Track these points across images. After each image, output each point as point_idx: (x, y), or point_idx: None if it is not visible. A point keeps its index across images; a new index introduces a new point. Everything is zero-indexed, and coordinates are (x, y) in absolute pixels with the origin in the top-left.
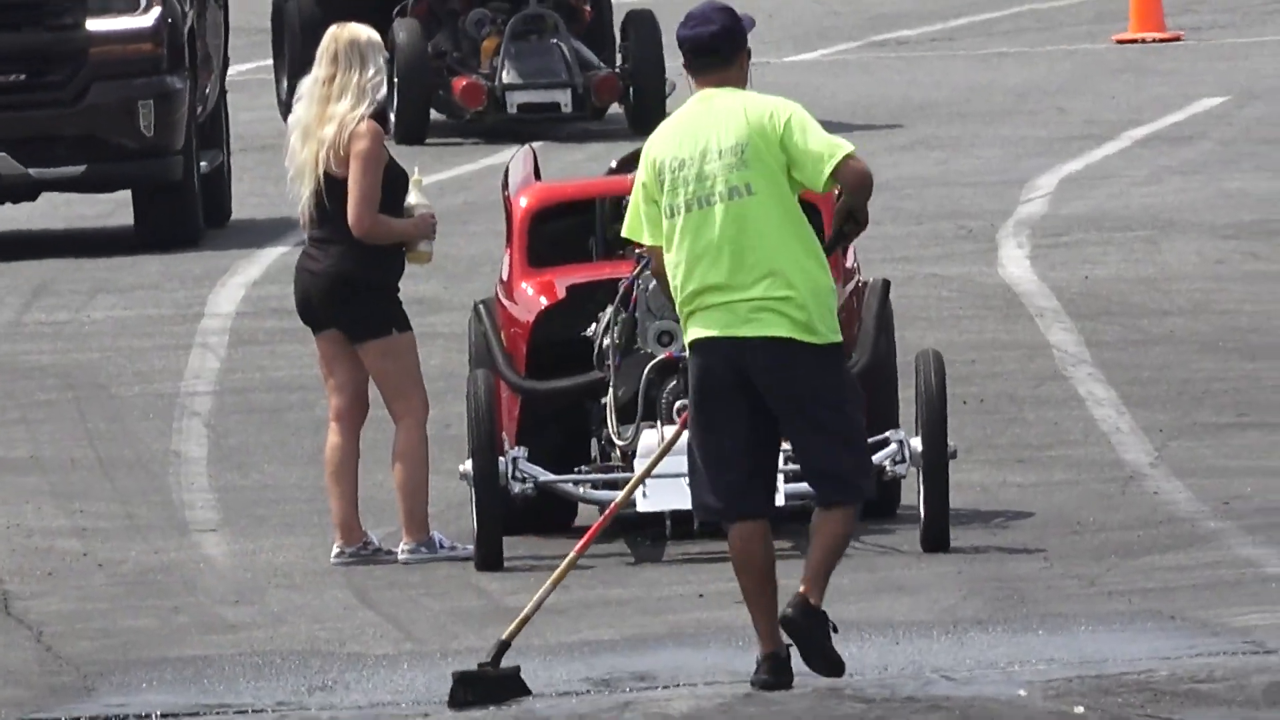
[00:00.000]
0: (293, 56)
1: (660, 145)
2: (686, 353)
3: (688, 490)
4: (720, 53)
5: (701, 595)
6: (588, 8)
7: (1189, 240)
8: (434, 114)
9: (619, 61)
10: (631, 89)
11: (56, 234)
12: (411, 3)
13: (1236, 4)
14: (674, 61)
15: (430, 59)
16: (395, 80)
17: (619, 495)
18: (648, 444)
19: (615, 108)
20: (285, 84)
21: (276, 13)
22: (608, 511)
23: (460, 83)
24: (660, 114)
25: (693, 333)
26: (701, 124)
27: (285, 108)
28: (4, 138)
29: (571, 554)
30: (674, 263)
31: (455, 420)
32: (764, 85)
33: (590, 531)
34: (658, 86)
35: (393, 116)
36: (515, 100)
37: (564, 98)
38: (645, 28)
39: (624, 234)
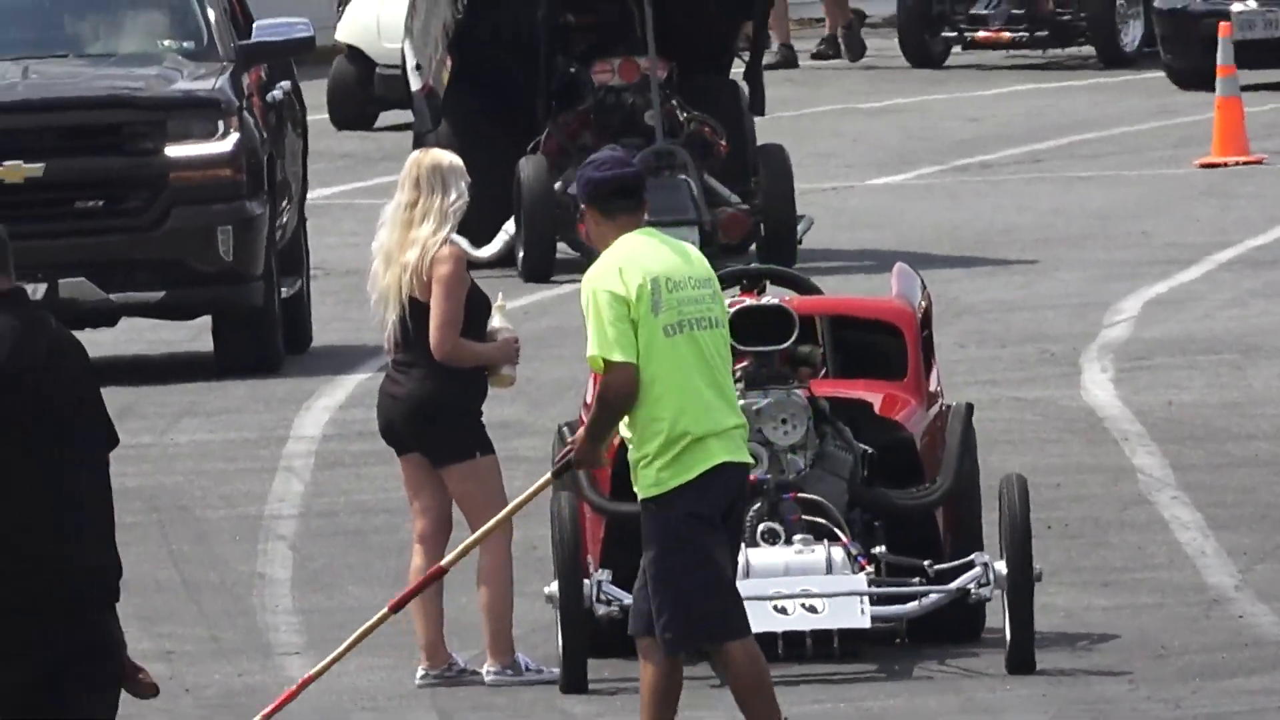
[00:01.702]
0: None
1: (639, 267)
2: (662, 486)
3: (773, 614)
4: (638, 194)
5: (786, 717)
6: (723, 142)
7: (1274, 364)
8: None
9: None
10: (762, 224)
11: (139, 358)
12: (543, 139)
13: None
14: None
15: (560, 195)
16: (520, 217)
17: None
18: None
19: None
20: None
21: (421, 142)
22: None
23: None
24: (791, 249)
25: (710, 457)
26: (665, 254)
27: None
28: (84, 262)
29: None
30: (668, 382)
31: (540, 543)
32: (849, 209)
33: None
34: (789, 220)
35: (520, 253)
36: None
37: (691, 235)
38: (776, 162)
39: (592, 353)
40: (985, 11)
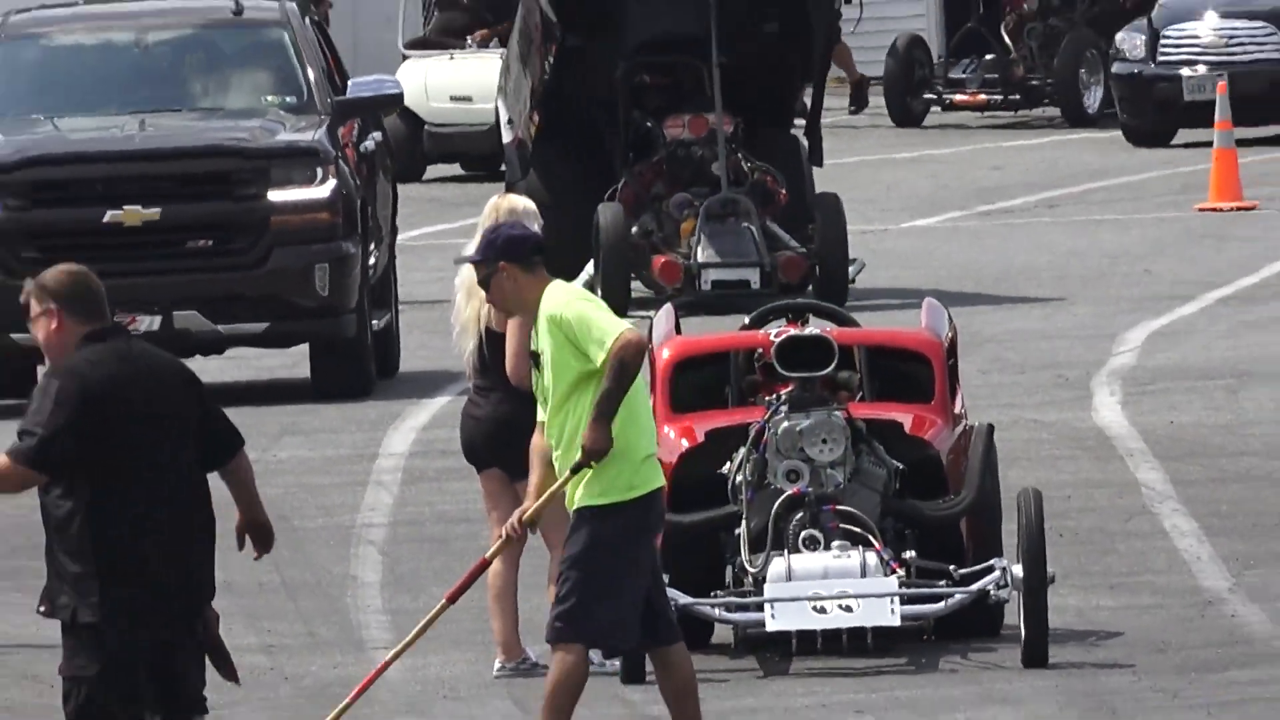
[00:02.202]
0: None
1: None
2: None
3: (812, 613)
4: (544, 251)
5: (824, 704)
6: (783, 191)
7: (1264, 389)
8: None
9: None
10: (818, 266)
11: (245, 384)
12: (620, 187)
13: None
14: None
15: (635, 238)
16: (599, 258)
17: (743, 617)
18: (776, 571)
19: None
20: None
21: (512, 190)
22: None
23: (660, 261)
24: (844, 289)
25: (659, 477)
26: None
27: None
28: (195, 297)
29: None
30: (631, 404)
31: None
32: (884, 250)
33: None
34: (842, 263)
35: (598, 292)
36: (709, 277)
37: (753, 276)
38: (831, 211)
39: (605, 338)
40: (962, 76)
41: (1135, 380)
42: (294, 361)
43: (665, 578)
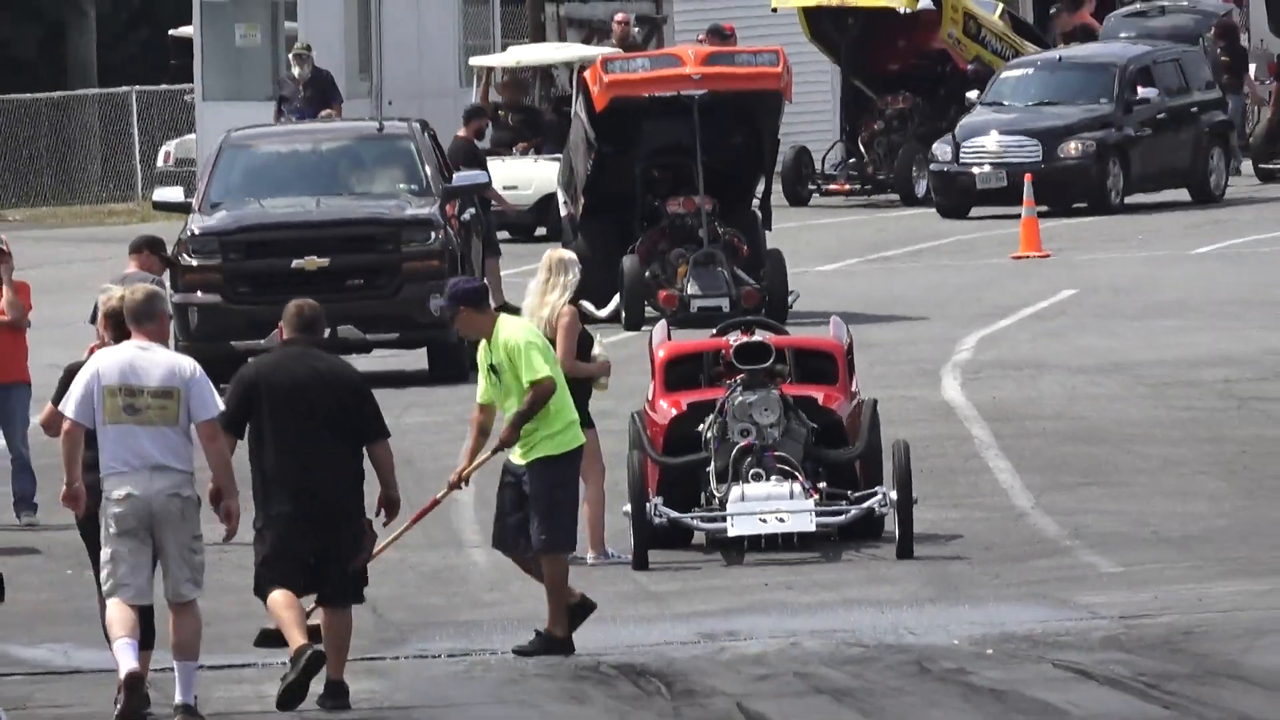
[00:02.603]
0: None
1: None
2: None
3: (758, 523)
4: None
5: (766, 583)
6: (745, 247)
7: (1054, 375)
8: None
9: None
10: (767, 296)
11: (385, 373)
12: (637, 245)
13: (1081, 234)
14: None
15: (647, 279)
16: (623, 292)
17: (712, 526)
18: (734, 496)
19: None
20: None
21: (566, 249)
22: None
23: (663, 293)
24: (784, 312)
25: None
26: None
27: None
28: (352, 316)
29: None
30: (563, 388)
31: (620, 480)
32: (806, 285)
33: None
34: (783, 295)
35: (623, 314)
36: (695, 304)
37: (725, 303)
38: (776, 260)
39: (538, 376)
40: (832, 172)
41: (970, 370)
42: (417, 358)
43: (660, 499)
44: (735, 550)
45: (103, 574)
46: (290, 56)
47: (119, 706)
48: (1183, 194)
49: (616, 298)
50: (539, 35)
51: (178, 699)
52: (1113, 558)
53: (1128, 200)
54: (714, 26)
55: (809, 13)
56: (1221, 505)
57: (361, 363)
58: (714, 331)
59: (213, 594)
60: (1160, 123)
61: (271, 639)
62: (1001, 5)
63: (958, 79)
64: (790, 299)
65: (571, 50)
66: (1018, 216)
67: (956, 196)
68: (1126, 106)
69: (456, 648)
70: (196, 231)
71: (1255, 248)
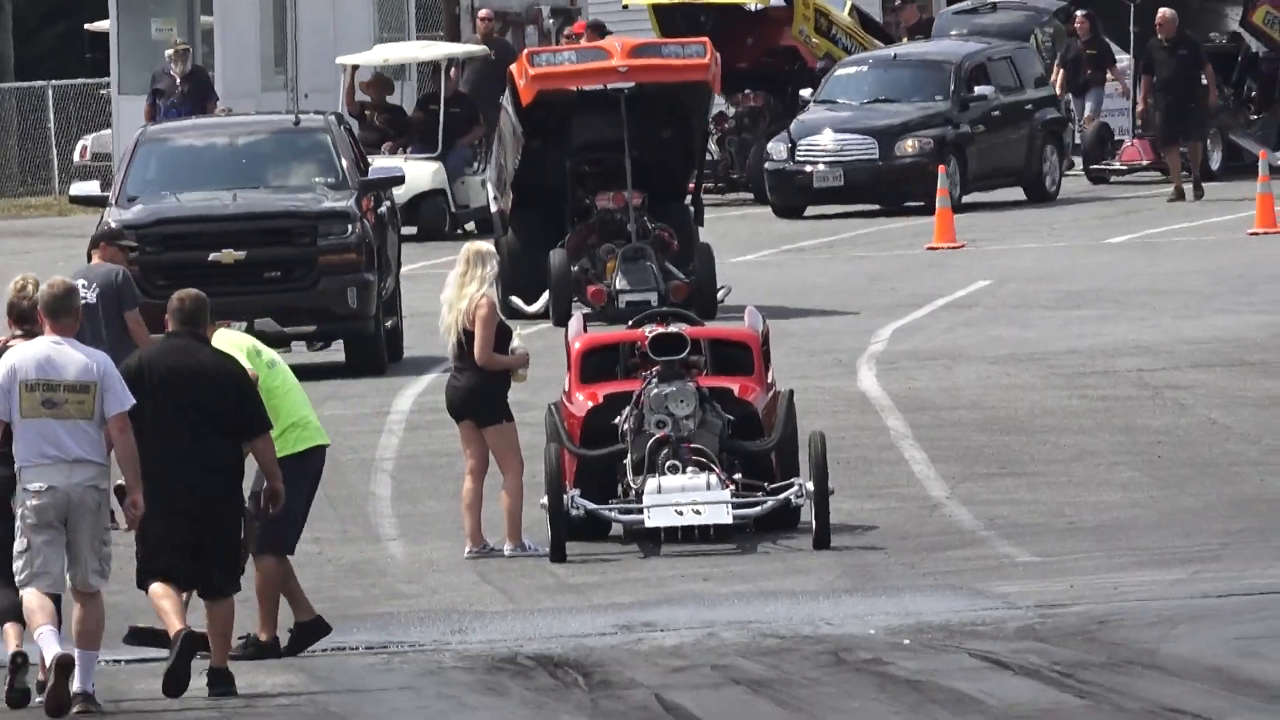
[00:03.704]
0: (509, 262)
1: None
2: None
3: (674, 515)
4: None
5: (683, 575)
6: (675, 242)
7: (970, 365)
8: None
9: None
10: (695, 291)
11: (303, 365)
12: (567, 239)
13: (997, 225)
14: (724, 273)
15: (576, 274)
16: (550, 286)
17: (629, 518)
18: (651, 487)
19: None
20: (503, 279)
21: (497, 245)
22: None
23: (591, 288)
24: (714, 305)
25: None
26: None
27: (506, 302)
28: (269, 309)
29: None
30: (295, 393)
31: (537, 472)
32: (724, 277)
33: None
34: (712, 287)
35: (553, 309)
36: (624, 299)
37: (653, 298)
38: (705, 255)
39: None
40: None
41: (885, 360)
42: (335, 351)
43: (578, 491)
44: (652, 542)
45: (18, 564)
46: (169, 53)
47: (48, 689)
48: (1017, 192)
49: (546, 293)
50: (454, 28)
51: (76, 687)
52: (1028, 547)
53: (964, 199)
54: (594, 21)
55: (660, 9)
56: (1136, 495)
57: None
58: (630, 323)
59: (131, 589)
60: (995, 120)
61: (141, 636)
62: (850, 2)
63: (806, 77)
64: (721, 293)
65: (438, 48)
66: (855, 215)
67: (793, 195)
68: (962, 104)
69: (374, 640)
70: (113, 225)
71: (1169, 237)
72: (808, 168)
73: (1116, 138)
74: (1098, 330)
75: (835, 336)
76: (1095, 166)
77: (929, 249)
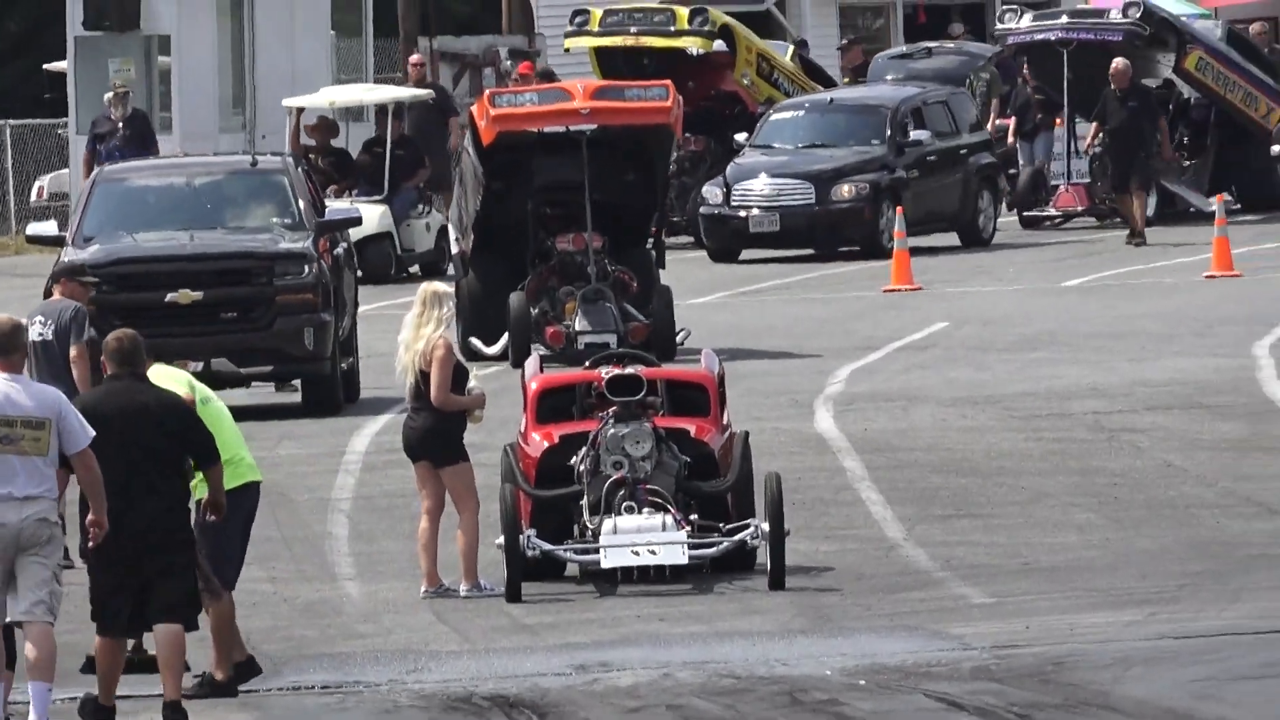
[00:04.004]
0: (469, 304)
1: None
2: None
3: (631, 555)
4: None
5: (639, 615)
6: (634, 284)
7: (926, 407)
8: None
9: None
10: (654, 333)
11: (259, 406)
12: (528, 282)
13: (954, 268)
14: (680, 315)
15: (536, 316)
16: (509, 329)
17: (585, 558)
18: (607, 528)
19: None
20: (464, 321)
21: (458, 287)
22: None
23: (550, 329)
24: (672, 347)
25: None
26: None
27: (466, 344)
28: (226, 349)
29: None
30: (232, 432)
31: (493, 513)
32: (680, 319)
33: None
34: (670, 330)
35: (511, 351)
36: (583, 341)
37: (612, 339)
38: (664, 297)
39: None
40: None
41: (842, 401)
42: (291, 392)
43: (534, 532)
44: (608, 582)
45: None
46: (108, 97)
47: None
48: (952, 237)
49: (506, 335)
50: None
51: (32, 718)
52: (984, 589)
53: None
54: (543, 70)
55: (601, 52)
56: (1091, 536)
57: (236, 395)
58: (587, 364)
59: (85, 627)
60: (930, 165)
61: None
62: (792, 47)
63: (748, 121)
64: (680, 336)
65: (384, 91)
66: (791, 260)
67: (728, 240)
68: (898, 148)
69: (330, 680)
70: (69, 265)
71: (1124, 279)
72: (742, 212)
73: (1052, 182)
74: (1054, 373)
75: (792, 378)
76: (1029, 213)
77: (886, 291)
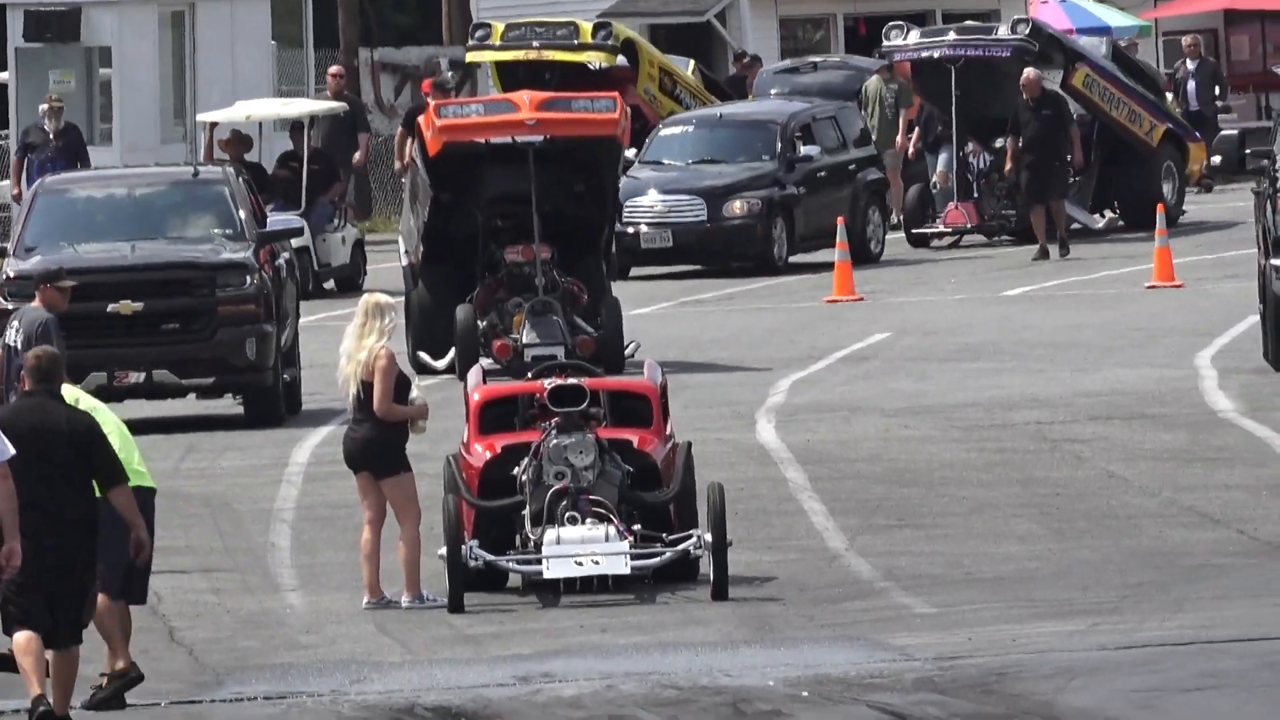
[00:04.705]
0: (419, 317)
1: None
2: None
3: (573, 565)
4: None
5: (582, 626)
6: (584, 296)
7: (869, 417)
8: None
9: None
10: (602, 345)
11: (200, 417)
12: (476, 293)
13: (896, 278)
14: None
15: (484, 329)
16: (455, 341)
17: (527, 569)
18: (549, 538)
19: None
20: (413, 333)
21: (407, 299)
22: None
23: (497, 342)
24: (621, 359)
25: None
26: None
27: (415, 357)
28: (167, 361)
29: None
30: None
31: (435, 523)
32: (626, 331)
33: None
34: (619, 342)
35: (458, 364)
36: (530, 354)
37: (559, 352)
38: (613, 309)
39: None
40: None
41: (784, 412)
42: (233, 403)
43: (475, 542)
44: (551, 593)
45: None
46: (43, 108)
47: None
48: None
49: (454, 348)
50: (353, 81)
51: None
52: (926, 599)
53: (791, 260)
54: (439, 81)
55: (503, 66)
56: (1033, 546)
57: (177, 407)
58: (529, 375)
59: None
60: (820, 181)
61: (9, 664)
62: (694, 61)
63: (649, 136)
64: (630, 348)
65: (300, 105)
66: (681, 276)
67: (619, 256)
68: (789, 164)
69: (273, 690)
70: (11, 275)
71: (1065, 289)
72: (631, 229)
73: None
74: (996, 383)
75: (734, 389)
76: (917, 230)
77: (828, 302)
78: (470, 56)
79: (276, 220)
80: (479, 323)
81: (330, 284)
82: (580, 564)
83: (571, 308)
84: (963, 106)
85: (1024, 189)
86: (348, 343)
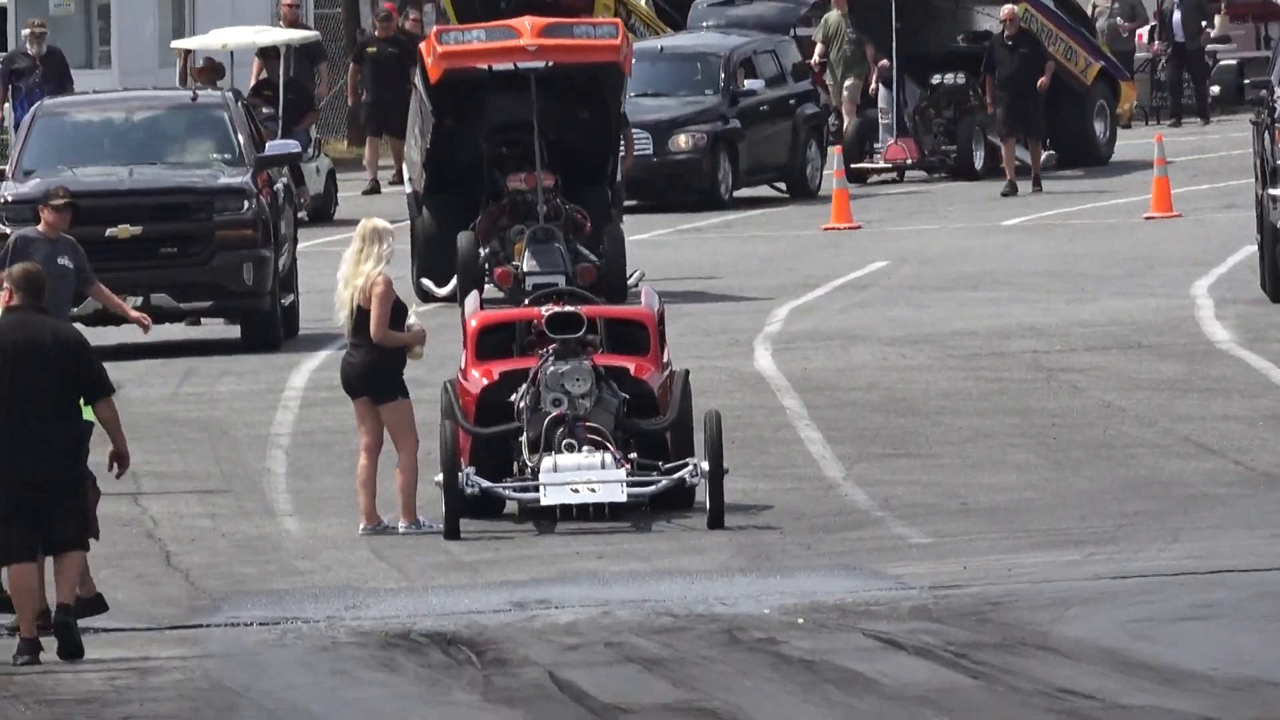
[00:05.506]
0: (423, 245)
1: None
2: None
3: (570, 493)
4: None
5: (577, 552)
6: (588, 224)
7: (866, 346)
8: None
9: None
10: (604, 273)
11: (197, 341)
12: (478, 221)
13: (892, 206)
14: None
15: (485, 257)
16: (457, 268)
17: (524, 496)
18: (546, 465)
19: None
20: (417, 261)
21: (412, 225)
22: None
23: (499, 270)
24: (623, 288)
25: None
26: None
27: (419, 285)
28: (165, 285)
29: None
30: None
31: (432, 450)
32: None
33: None
34: (621, 269)
35: (460, 291)
36: (531, 281)
37: (560, 280)
38: (615, 237)
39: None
40: None
41: (781, 340)
42: (230, 327)
43: (472, 469)
44: (547, 520)
45: None
46: (26, 33)
47: None
48: (781, 188)
49: (456, 276)
50: (352, 7)
51: None
52: (922, 528)
53: (736, 194)
54: (384, 14)
55: None
56: (1030, 476)
57: (175, 330)
58: (527, 301)
59: None
60: (762, 115)
61: (9, 605)
62: None
63: None
64: (634, 277)
65: (275, 34)
66: (626, 211)
67: None
68: (732, 98)
69: (268, 616)
70: (10, 198)
71: (1064, 219)
72: None
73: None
74: (993, 312)
75: (731, 317)
76: (856, 165)
77: (826, 229)
78: None
79: (275, 145)
80: (481, 250)
81: (303, 215)
82: (577, 491)
83: (575, 235)
84: (901, 40)
85: (1000, 123)
86: (345, 268)
